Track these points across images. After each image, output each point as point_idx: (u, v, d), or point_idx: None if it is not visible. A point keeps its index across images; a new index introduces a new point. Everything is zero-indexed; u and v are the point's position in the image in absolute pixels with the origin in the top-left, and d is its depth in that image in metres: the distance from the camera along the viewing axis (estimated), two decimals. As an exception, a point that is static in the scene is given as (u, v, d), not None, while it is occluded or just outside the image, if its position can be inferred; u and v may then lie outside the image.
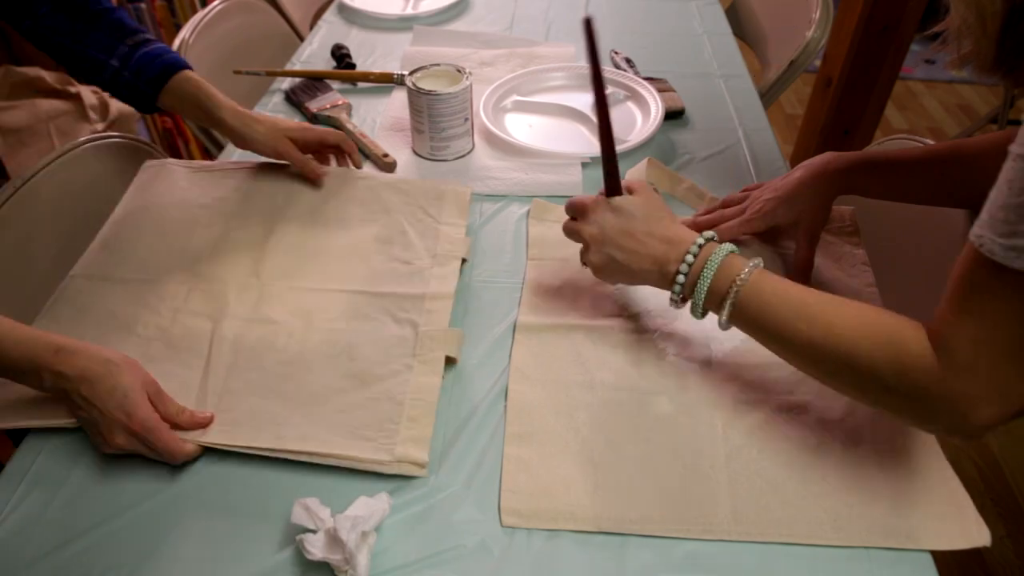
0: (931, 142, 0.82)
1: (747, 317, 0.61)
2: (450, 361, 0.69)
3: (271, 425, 0.62)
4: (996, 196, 0.47)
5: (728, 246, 0.63)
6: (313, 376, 0.67)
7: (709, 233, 0.65)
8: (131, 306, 0.73)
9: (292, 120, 0.90)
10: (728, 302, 0.61)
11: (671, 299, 0.66)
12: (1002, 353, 0.48)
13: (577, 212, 0.71)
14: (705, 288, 0.62)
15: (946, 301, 0.51)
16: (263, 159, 0.91)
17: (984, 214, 0.48)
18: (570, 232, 0.73)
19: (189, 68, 0.86)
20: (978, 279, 0.49)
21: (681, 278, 0.64)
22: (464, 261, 0.80)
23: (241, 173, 0.91)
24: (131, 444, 0.60)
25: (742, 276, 0.60)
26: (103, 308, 0.73)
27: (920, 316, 0.60)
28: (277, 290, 0.75)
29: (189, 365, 0.67)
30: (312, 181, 0.89)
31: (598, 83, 0.65)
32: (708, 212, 0.85)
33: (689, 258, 0.63)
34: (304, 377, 0.67)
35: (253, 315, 0.72)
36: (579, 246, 0.72)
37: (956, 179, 0.74)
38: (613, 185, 0.70)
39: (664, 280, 0.66)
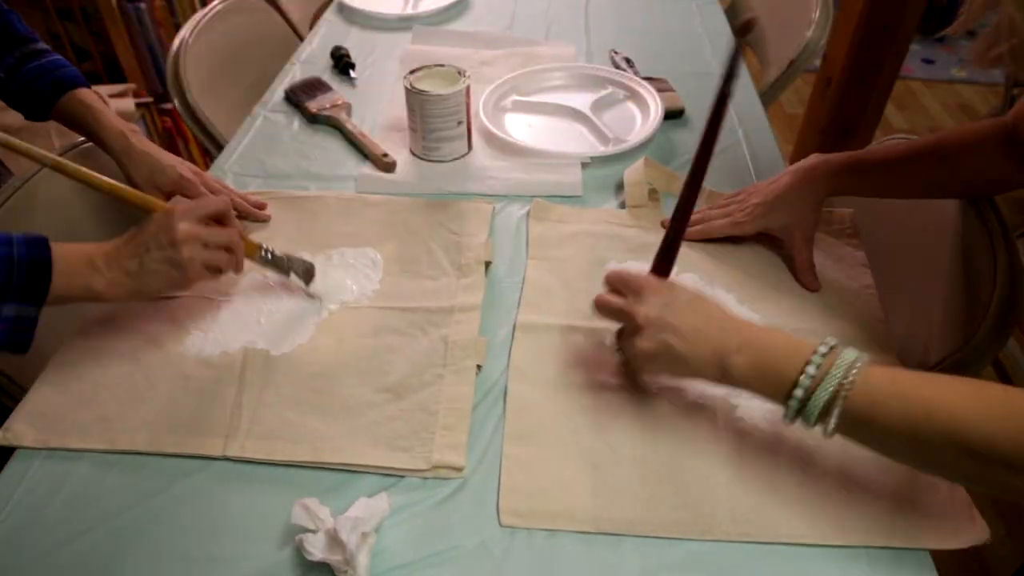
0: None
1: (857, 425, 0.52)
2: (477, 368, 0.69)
3: (307, 438, 0.63)
4: None
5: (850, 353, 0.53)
6: (347, 390, 0.67)
7: (832, 341, 0.54)
8: (162, 323, 0.74)
9: (186, 166, 0.87)
10: (835, 411, 0.52)
11: (786, 416, 0.55)
12: None
13: (629, 290, 0.62)
14: (822, 401, 0.52)
15: None
16: (286, 192, 0.91)
17: None
18: (616, 311, 0.63)
19: (83, 85, 0.87)
20: None
21: (800, 392, 0.53)
22: (488, 264, 0.81)
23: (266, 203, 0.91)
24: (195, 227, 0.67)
25: (849, 378, 0.51)
26: (133, 326, 0.74)
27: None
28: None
29: (223, 380, 0.68)
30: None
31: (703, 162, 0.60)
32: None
33: (811, 369, 0.53)
34: (338, 391, 0.67)
35: (285, 332, 0.73)
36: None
37: (942, 173, 0.75)
38: (667, 268, 0.64)
39: (720, 373, 0.57)
